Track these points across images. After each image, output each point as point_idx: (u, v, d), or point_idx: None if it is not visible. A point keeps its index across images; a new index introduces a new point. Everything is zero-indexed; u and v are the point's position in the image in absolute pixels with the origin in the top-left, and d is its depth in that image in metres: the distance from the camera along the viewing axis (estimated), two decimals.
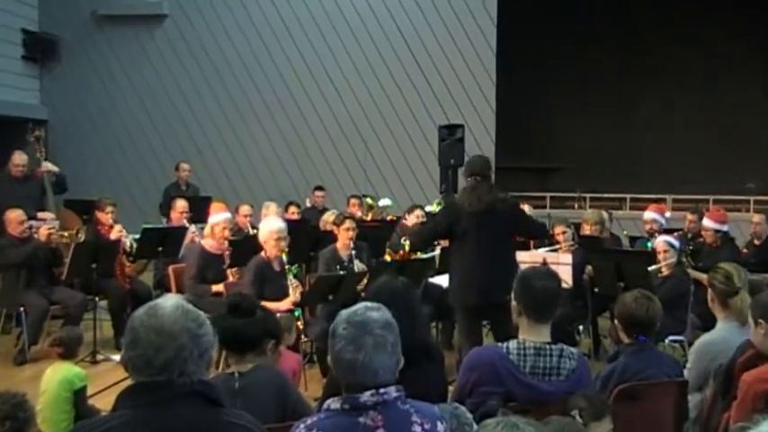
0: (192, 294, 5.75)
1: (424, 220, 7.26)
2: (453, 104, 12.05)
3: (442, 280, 5.87)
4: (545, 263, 5.49)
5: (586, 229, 6.94)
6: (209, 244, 6.25)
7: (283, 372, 3.16)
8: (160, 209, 9.38)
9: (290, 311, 5.30)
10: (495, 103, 12.03)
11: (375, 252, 6.81)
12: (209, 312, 5.30)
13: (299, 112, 12.26)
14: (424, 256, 6.38)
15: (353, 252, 6.17)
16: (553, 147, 13.83)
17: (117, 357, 5.81)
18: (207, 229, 6.39)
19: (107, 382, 5.07)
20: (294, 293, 5.48)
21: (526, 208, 7.37)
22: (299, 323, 5.36)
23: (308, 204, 10.19)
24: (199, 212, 7.46)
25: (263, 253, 5.57)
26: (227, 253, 6.15)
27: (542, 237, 5.58)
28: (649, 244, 6.75)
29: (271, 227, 5.60)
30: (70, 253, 6.15)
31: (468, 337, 4.90)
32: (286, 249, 5.63)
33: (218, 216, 6.33)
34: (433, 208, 8.57)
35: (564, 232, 6.42)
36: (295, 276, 5.66)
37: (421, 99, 12.14)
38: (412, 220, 7.33)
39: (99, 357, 6.14)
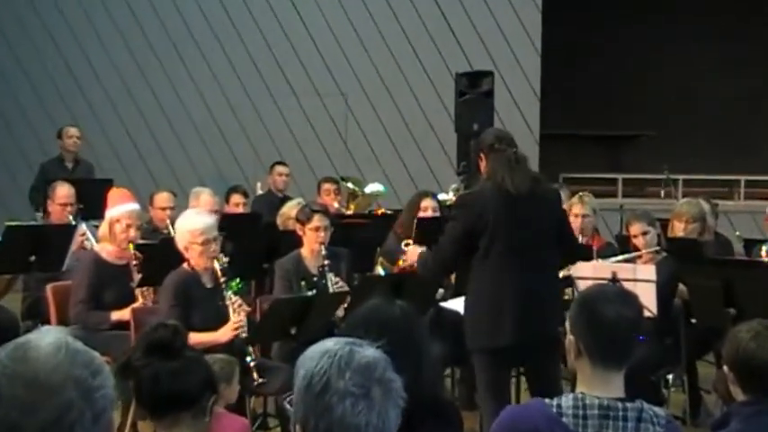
0: (82, 326, 5.76)
1: (437, 214, 7.25)
2: (478, 43, 12.08)
3: (461, 304, 5.82)
4: (615, 279, 5.47)
5: (678, 229, 6.94)
6: (106, 250, 6.22)
7: None
8: (30, 196, 9.37)
9: (231, 348, 5.30)
10: (542, 42, 12.03)
11: (360, 262, 6.84)
12: (110, 353, 5.26)
13: (249, 57, 12.24)
14: None
15: (327, 262, 6.18)
16: (628, 105, 13.85)
17: None
18: (103, 228, 6.35)
19: None
20: (237, 316, 5.50)
21: (586, 199, 7.42)
22: (251, 363, 5.40)
23: (260, 191, 10.24)
24: (94, 203, 7.43)
25: (185, 264, 5.58)
26: (135, 263, 6.15)
27: (577, 259, 5.68)
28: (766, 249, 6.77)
29: (191, 225, 5.60)
30: None
31: (494, 392, 4.94)
32: (222, 257, 5.64)
33: (120, 208, 6.30)
34: (449, 197, 8.56)
35: (645, 233, 6.42)
36: (236, 293, 5.66)
37: (430, 35, 12.14)
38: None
39: None
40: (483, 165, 5.07)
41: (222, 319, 5.50)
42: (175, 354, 2.89)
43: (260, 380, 5.43)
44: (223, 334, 5.41)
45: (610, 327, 2.84)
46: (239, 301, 5.60)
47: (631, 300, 2.94)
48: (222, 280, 5.60)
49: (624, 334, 2.86)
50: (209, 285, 5.59)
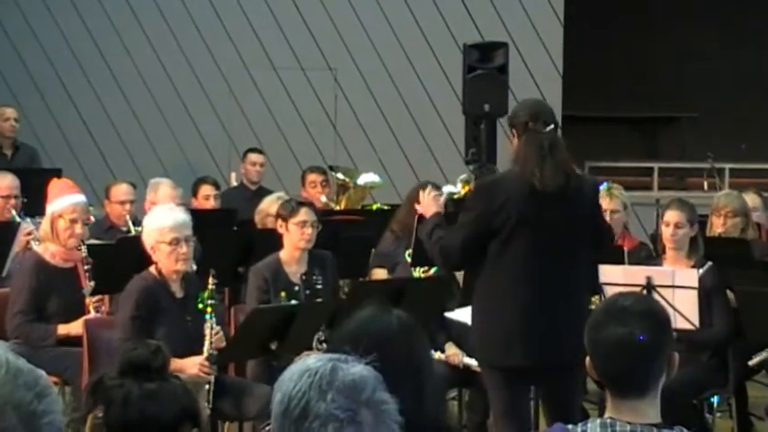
0: (23, 341, 5.77)
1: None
2: (490, 9, 12.02)
3: (469, 316, 5.79)
4: (650, 286, 5.51)
5: (717, 225, 6.97)
6: (50, 252, 6.23)
7: None
8: None
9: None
10: (565, 9, 12.00)
11: (352, 267, 6.85)
12: (58, 373, 5.21)
13: (220, 23, 12.15)
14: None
15: (311, 269, 6.23)
16: (665, 82, 13.79)
17: None
18: (44, 226, 6.34)
19: None
20: (213, 346, 5.49)
21: (615, 192, 7.42)
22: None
23: (234, 182, 10.31)
24: (40, 196, 7.40)
25: (153, 268, 5.59)
26: (86, 268, 6.15)
27: (609, 244, 5.76)
28: None
29: (159, 221, 5.63)
30: None
31: (510, 415, 5.00)
32: (192, 262, 5.64)
33: (62, 201, 6.32)
34: (456, 190, 8.53)
35: (678, 225, 6.29)
36: (212, 307, 5.62)
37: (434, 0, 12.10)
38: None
39: None
40: (514, 144, 5.07)
41: (190, 339, 5.49)
42: (153, 376, 2.89)
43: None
44: (189, 365, 5.39)
45: (611, 354, 2.80)
46: (220, 334, 5.59)
47: (650, 316, 2.84)
48: (210, 302, 5.57)
49: (632, 362, 2.78)
50: (179, 295, 5.60)
